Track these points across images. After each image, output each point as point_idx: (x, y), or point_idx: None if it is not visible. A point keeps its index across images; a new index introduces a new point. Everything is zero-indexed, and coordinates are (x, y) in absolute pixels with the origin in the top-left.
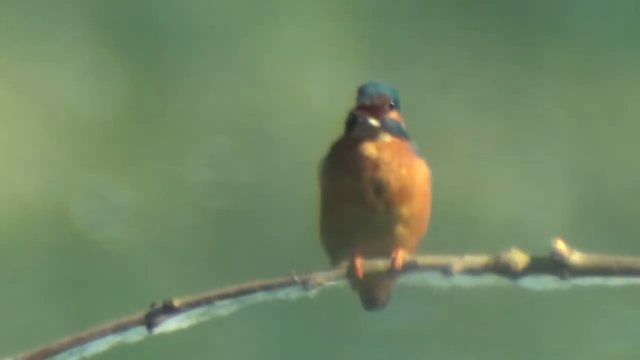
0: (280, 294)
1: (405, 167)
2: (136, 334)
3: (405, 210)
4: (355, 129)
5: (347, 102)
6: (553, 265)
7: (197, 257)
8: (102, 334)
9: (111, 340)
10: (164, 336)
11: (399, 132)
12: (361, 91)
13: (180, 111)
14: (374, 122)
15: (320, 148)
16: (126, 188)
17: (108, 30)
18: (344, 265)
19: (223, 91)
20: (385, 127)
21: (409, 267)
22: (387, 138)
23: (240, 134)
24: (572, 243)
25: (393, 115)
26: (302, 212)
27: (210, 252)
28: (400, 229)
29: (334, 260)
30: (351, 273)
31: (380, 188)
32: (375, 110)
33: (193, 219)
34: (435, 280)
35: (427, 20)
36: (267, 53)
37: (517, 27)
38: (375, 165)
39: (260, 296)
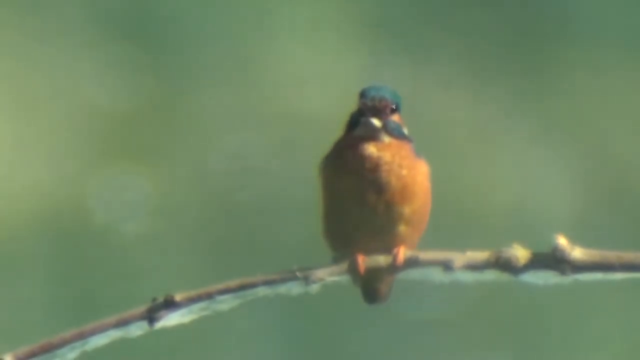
0: (282, 289)
1: (406, 167)
2: (138, 329)
3: (406, 210)
4: (358, 129)
5: None
6: (554, 261)
7: (199, 251)
8: (104, 328)
9: (112, 334)
10: (166, 331)
11: (400, 135)
12: (363, 94)
13: (199, 104)
14: (376, 122)
15: None
16: (144, 181)
17: (128, 24)
18: (345, 261)
19: (242, 84)
20: (387, 129)
21: (411, 263)
22: (387, 139)
23: (260, 127)
24: (581, 232)
25: (395, 118)
26: (309, 208)
27: (213, 247)
28: (401, 228)
29: (337, 255)
30: (352, 269)
31: (380, 188)
32: (378, 112)
33: (203, 212)
34: (436, 275)
35: (444, 11)
36: (288, 45)
37: (526, 17)
38: (376, 165)
39: (262, 291)
